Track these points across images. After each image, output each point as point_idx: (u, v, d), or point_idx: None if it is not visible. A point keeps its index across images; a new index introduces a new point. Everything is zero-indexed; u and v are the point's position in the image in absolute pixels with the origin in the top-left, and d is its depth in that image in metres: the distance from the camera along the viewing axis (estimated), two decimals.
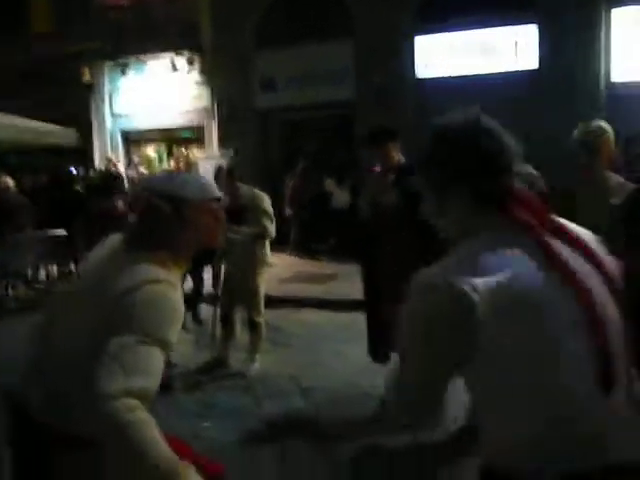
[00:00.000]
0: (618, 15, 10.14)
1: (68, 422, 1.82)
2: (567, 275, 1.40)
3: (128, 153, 14.13)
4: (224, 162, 6.00)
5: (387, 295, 4.09)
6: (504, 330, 1.35)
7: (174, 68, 12.69)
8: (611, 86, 10.27)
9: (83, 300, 1.89)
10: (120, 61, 13.09)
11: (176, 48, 12.48)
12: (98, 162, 13.67)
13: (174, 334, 1.79)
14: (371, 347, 4.57)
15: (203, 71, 12.72)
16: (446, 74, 11.08)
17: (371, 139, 4.46)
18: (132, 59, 13.05)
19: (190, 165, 12.88)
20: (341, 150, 11.64)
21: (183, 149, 13.53)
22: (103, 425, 1.62)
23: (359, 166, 11.04)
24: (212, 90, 12.68)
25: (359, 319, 5.03)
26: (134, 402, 1.63)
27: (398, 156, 4.42)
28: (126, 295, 1.77)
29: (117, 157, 13.37)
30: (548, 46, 10.34)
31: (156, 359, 1.72)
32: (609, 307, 1.43)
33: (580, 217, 2.73)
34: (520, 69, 10.63)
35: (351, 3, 11.42)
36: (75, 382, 1.80)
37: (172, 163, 13.28)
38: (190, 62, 12.62)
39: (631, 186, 2.96)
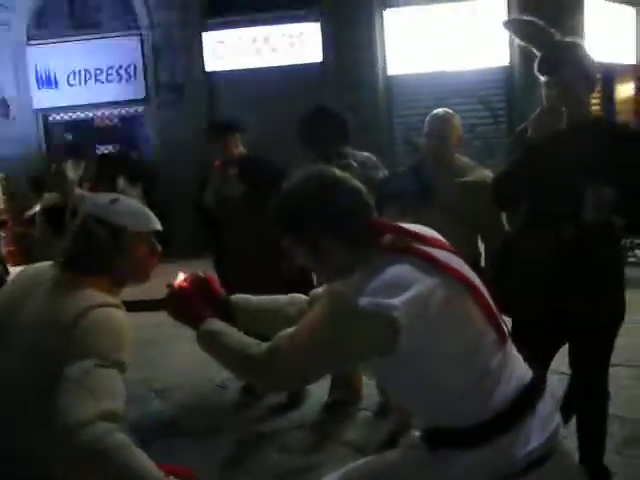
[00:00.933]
0: (389, 15, 10.97)
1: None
2: (452, 271, 1.60)
3: None
4: None
5: (237, 286, 4.11)
6: (426, 333, 1.51)
7: None
8: (388, 78, 11.08)
9: (16, 334, 1.76)
10: None
11: None
12: None
13: (127, 356, 1.75)
14: None
15: None
16: (234, 67, 11.19)
17: (211, 133, 4.45)
18: None
19: None
20: (133, 150, 11.27)
21: None
22: (83, 455, 1.52)
23: (148, 165, 10.88)
24: None
25: None
26: (110, 425, 1.55)
27: (239, 148, 4.43)
28: (75, 322, 1.71)
29: None
30: (330, 42, 10.87)
31: (118, 381, 1.67)
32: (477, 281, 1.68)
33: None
34: (305, 62, 11.07)
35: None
36: (25, 427, 1.70)
37: None
38: None
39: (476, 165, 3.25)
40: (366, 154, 4.07)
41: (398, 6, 10.94)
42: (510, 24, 2.77)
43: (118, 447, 1.53)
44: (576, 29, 10.56)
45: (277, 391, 2.52)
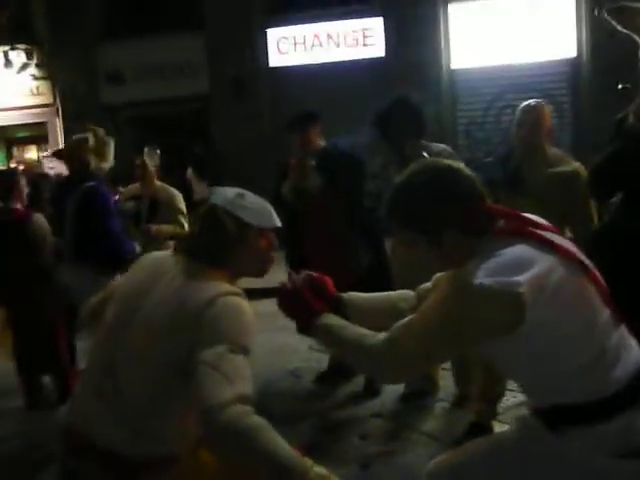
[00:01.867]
0: (454, 9, 10.90)
1: (141, 447, 1.83)
2: (566, 252, 1.66)
3: None
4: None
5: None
6: (547, 311, 1.56)
7: (8, 63, 11.78)
8: (451, 72, 11.01)
9: (147, 319, 1.86)
10: None
11: (10, 41, 11.58)
12: None
13: (253, 342, 1.83)
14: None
15: (42, 65, 11.93)
16: (298, 63, 11.30)
17: (291, 125, 4.44)
18: None
19: (33, 166, 12.16)
20: (199, 143, 11.48)
21: (24, 150, 12.71)
22: (223, 435, 1.61)
23: (217, 158, 11.04)
24: (53, 85, 11.96)
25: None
26: (247, 407, 1.64)
27: (318, 140, 4.42)
28: (205, 309, 1.80)
29: None
30: (393, 37, 10.87)
31: (246, 366, 1.76)
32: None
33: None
34: (368, 57, 11.09)
35: None
36: (153, 404, 1.80)
37: (13, 164, 12.37)
38: (28, 56, 11.78)
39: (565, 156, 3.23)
40: (442, 146, 4.05)
41: (462, 1, 10.86)
42: (611, 12, 2.75)
43: (257, 428, 1.61)
44: None
45: (398, 380, 2.55)
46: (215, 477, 1.96)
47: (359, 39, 11.14)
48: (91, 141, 4.48)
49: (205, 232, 1.99)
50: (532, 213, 2.90)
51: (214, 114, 11.49)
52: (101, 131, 4.66)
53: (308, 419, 4.11)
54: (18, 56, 11.83)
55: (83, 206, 4.24)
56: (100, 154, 4.52)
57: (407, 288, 2.11)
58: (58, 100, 11.99)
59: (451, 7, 10.93)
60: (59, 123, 12.12)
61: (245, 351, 1.78)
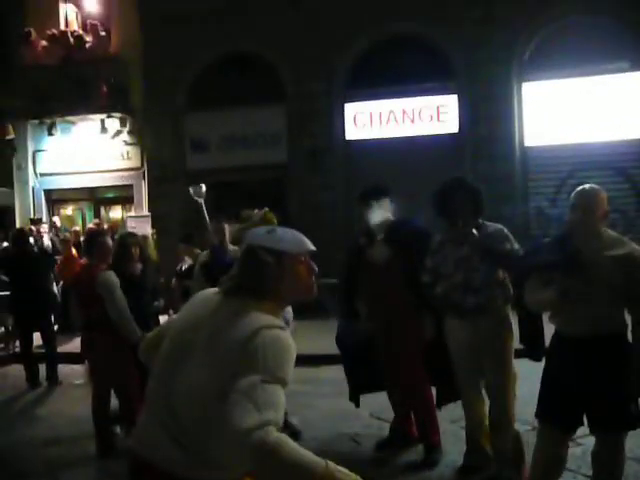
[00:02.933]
0: (528, 88, 11.16)
1: (198, 470, 1.98)
2: None
3: (51, 214, 13.84)
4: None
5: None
6: None
7: (104, 129, 12.69)
8: (524, 149, 11.16)
9: (198, 350, 2.03)
10: (46, 120, 12.93)
11: (107, 110, 12.50)
12: (19, 223, 13.32)
13: (291, 373, 1.95)
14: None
15: (133, 132, 12.79)
16: (373, 136, 11.69)
17: (363, 198, 4.62)
18: (58, 119, 12.93)
19: (115, 225, 12.90)
20: (276, 211, 11.88)
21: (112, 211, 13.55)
22: (255, 457, 1.75)
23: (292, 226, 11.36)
24: (142, 150, 12.76)
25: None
26: (269, 427, 1.77)
27: (388, 213, 4.58)
28: (248, 341, 1.93)
29: (40, 221, 12.90)
30: (467, 114, 11.15)
31: (280, 395, 1.87)
32: None
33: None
34: (442, 132, 11.39)
35: (282, 70, 11.92)
36: (205, 427, 1.96)
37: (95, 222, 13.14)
38: (122, 124, 12.67)
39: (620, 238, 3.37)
40: (499, 226, 4.13)
41: (536, 80, 11.09)
42: None
43: (283, 443, 1.74)
44: None
45: None
46: None
47: (433, 115, 11.47)
48: None
49: (244, 268, 2.12)
50: (589, 295, 3.02)
51: (291, 183, 11.94)
52: None
53: None
54: (113, 123, 12.71)
55: None
56: None
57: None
58: (145, 164, 12.74)
59: (525, 86, 11.17)
60: (144, 186, 12.85)
61: (281, 382, 1.89)
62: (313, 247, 2.19)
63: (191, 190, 5.63)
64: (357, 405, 4.92)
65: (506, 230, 4.08)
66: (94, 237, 5.67)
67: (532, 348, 3.76)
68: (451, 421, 4.93)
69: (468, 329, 3.98)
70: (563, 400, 3.26)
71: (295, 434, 4.78)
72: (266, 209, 5.59)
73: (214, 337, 2.01)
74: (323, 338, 5.82)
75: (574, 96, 10.92)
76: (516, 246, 4.00)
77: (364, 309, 4.71)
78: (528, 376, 4.11)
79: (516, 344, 3.94)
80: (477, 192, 4.11)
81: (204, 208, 5.47)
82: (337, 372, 5.28)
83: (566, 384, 3.25)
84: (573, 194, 3.46)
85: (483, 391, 4.15)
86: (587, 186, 3.44)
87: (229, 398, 1.83)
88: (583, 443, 4.01)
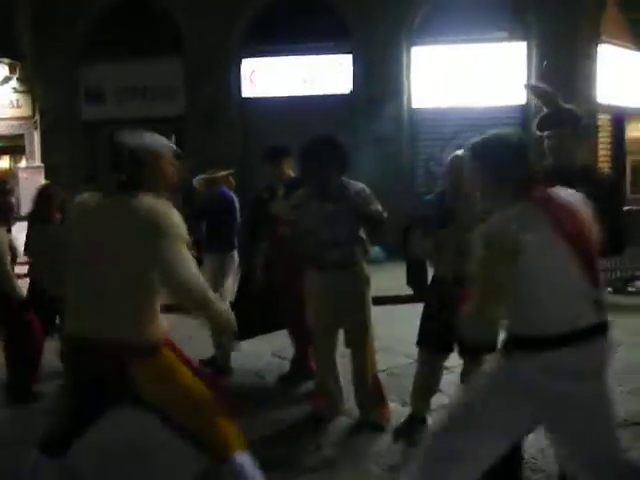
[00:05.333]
0: (418, 52, 11.84)
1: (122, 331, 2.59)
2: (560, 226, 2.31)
3: None
4: None
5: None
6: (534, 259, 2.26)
7: None
8: (412, 111, 11.91)
9: (105, 234, 2.59)
10: None
11: None
12: None
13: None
14: None
15: (24, 79, 12.43)
16: (269, 94, 12.04)
17: (267, 157, 5.12)
18: None
19: (3, 175, 12.61)
20: None
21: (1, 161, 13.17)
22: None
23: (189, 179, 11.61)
24: (34, 99, 12.46)
25: None
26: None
27: (289, 171, 5.11)
28: (148, 215, 2.54)
29: None
30: (360, 73, 11.71)
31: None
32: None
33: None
34: (336, 93, 11.92)
35: (181, 23, 11.95)
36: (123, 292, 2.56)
37: None
38: (11, 70, 12.28)
39: None
40: (361, 185, 4.23)
41: (424, 45, 11.78)
42: (528, 87, 3.55)
43: (201, 291, 2.66)
44: (590, 75, 11.39)
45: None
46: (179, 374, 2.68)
47: (329, 74, 11.97)
48: None
49: (125, 167, 2.67)
50: (460, 242, 3.62)
51: (188, 136, 12.11)
52: None
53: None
54: (1, 69, 12.31)
55: None
56: None
57: None
58: (38, 114, 12.47)
59: (414, 50, 11.85)
60: (37, 136, 12.60)
61: (186, 241, 2.62)
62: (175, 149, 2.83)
63: None
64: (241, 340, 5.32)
65: (367, 189, 4.21)
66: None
67: (417, 289, 4.35)
68: None
69: (330, 282, 4.11)
70: (438, 329, 3.90)
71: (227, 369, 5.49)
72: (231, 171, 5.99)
73: (113, 227, 2.58)
74: None
75: (458, 62, 11.72)
76: (379, 207, 4.17)
77: (262, 257, 5.24)
78: (409, 317, 4.75)
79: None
80: (342, 150, 4.17)
81: None
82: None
83: (440, 317, 3.89)
84: (449, 159, 4.05)
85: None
86: (460, 152, 4.03)
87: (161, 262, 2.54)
88: (456, 371, 4.68)
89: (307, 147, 4.17)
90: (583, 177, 3.11)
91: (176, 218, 2.59)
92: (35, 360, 5.15)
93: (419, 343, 4.09)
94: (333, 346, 4.38)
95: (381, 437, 4.16)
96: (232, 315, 2.92)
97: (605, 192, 3.18)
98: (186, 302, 2.70)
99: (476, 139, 2.53)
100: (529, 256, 2.25)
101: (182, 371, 2.70)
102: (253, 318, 5.10)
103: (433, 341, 3.98)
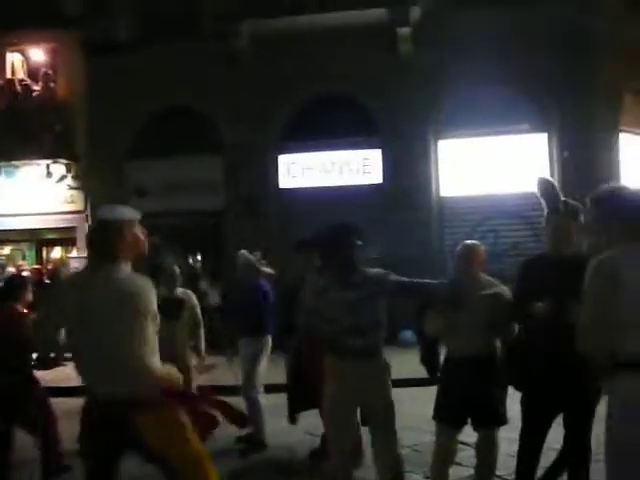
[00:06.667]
0: (444, 145, 12.56)
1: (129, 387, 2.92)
2: None
3: None
4: None
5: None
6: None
7: (49, 174, 13.31)
8: (441, 200, 12.49)
9: (100, 305, 2.96)
10: None
11: (52, 156, 13.15)
12: None
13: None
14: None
15: (77, 177, 13.45)
16: (305, 185, 12.80)
17: (296, 248, 5.71)
18: (3, 163, 13.48)
19: (60, 264, 13.48)
20: (212, 255, 12.79)
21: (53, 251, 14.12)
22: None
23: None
24: (86, 195, 13.41)
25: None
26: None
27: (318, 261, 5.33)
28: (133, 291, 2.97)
29: None
30: (390, 166, 12.41)
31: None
32: None
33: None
34: (367, 183, 12.61)
35: (220, 122, 12.90)
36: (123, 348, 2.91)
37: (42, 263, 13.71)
38: (67, 169, 13.33)
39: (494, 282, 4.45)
40: (376, 270, 4.26)
41: (451, 138, 12.49)
42: (537, 180, 4.10)
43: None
44: (611, 163, 11.87)
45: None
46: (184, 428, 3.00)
47: (360, 167, 12.70)
48: None
49: (101, 240, 3.07)
50: (468, 327, 4.02)
51: (227, 228, 12.80)
52: None
53: None
54: (58, 168, 13.37)
55: None
56: None
57: None
58: (89, 208, 13.39)
59: (441, 143, 12.55)
60: (87, 228, 13.46)
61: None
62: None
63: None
64: (294, 422, 5.79)
65: (383, 271, 4.25)
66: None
67: (430, 366, 4.72)
68: None
69: (354, 371, 4.05)
70: (453, 405, 4.27)
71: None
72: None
73: (108, 299, 2.95)
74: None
75: (483, 153, 12.35)
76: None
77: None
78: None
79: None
80: (360, 237, 4.20)
81: None
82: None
83: (455, 394, 4.26)
84: (458, 247, 4.51)
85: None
86: (469, 242, 4.51)
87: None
88: (472, 446, 4.94)
89: (326, 236, 4.26)
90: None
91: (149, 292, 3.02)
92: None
93: (435, 417, 4.43)
94: (353, 426, 4.33)
95: None
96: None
97: None
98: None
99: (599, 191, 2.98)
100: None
101: (184, 424, 3.06)
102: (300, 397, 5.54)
103: (448, 415, 4.33)
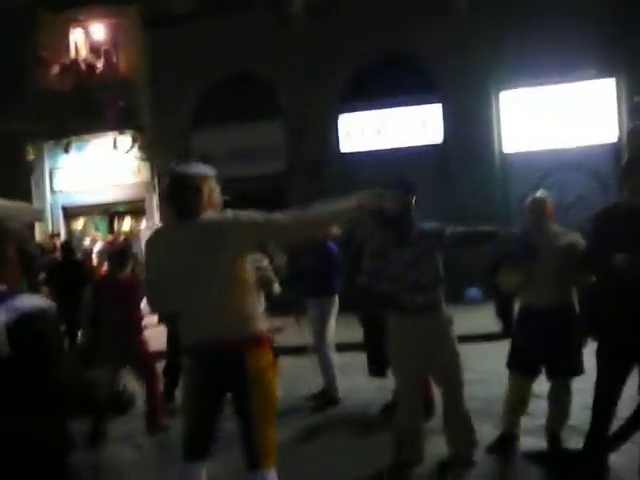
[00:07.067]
0: (506, 96, 12.27)
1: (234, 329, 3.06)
2: None
3: (68, 227, 14.87)
4: None
5: None
6: None
7: (116, 147, 13.73)
8: (504, 156, 12.27)
9: (200, 262, 3.04)
10: (62, 140, 13.94)
11: (119, 128, 13.55)
12: (38, 237, 14.28)
13: None
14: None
15: (143, 148, 13.82)
16: (366, 148, 12.78)
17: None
18: (74, 138, 13.96)
19: (131, 236, 13.97)
20: None
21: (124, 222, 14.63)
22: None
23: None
24: (152, 165, 13.78)
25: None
26: None
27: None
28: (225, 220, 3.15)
29: (58, 236, 13.91)
30: (450, 123, 12.26)
31: None
32: None
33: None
34: (428, 143, 12.51)
35: (279, 87, 12.99)
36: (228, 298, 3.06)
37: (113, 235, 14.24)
38: (133, 140, 13.71)
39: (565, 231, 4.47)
40: (432, 224, 4.25)
41: (513, 88, 12.19)
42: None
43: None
44: None
45: None
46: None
47: (420, 125, 12.63)
48: None
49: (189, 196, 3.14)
50: (544, 275, 4.04)
51: (290, 191, 12.96)
52: None
53: None
54: (124, 140, 13.77)
55: None
56: None
57: None
58: (156, 178, 13.76)
59: (502, 94, 12.27)
60: (155, 199, 13.88)
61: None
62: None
63: None
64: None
65: (439, 225, 4.23)
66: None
67: (506, 321, 4.77)
68: None
69: (417, 327, 4.09)
70: (528, 354, 4.35)
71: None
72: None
73: (201, 244, 3.03)
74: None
75: (547, 103, 12.02)
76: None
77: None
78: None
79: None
80: (416, 193, 4.20)
81: None
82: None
83: (530, 343, 4.32)
84: (527, 201, 4.51)
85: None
86: (537, 194, 4.51)
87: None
88: (544, 397, 4.97)
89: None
90: None
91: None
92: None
93: (509, 366, 4.51)
94: (418, 391, 4.38)
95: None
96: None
97: None
98: (306, 232, 3.41)
99: None
100: None
101: (273, 368, 3.17)
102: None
103: (522, 363, 4.40)
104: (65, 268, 8.69)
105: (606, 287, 3.95)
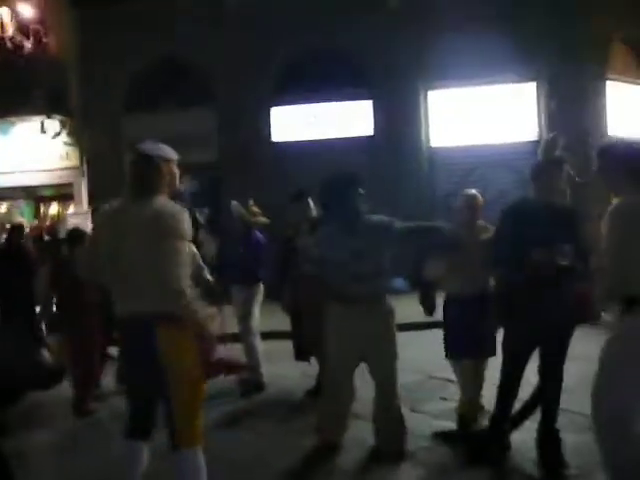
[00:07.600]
0: (434, 95, 12.72)
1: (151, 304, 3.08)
2: None
3: None
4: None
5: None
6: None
7: (43, 130, 13.41)
8: (431, 151, 12.70)
9: (135, 235, 3.10)
10: None
11: (47, 112, 13.24)
12: None
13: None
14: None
15: (72, 133, 13.56)
16: (297, 138, 12.96)
17: (294, 198, 5.98)
18: None
19: (57, 220, 13.73)
20: (209, 206, 13.02)
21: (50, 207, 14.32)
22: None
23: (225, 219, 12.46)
24: (81, 151, 13.55)
25: None
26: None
27: (311, 210, 5.84)
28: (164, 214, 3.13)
29: None
30: (381, 118, 12.58)
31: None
32: None
33: None
34: (359, 135, 12.81)
35: (214, 76, 12.98)
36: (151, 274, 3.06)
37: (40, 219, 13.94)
38: (62, 125, 13.43)
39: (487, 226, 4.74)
40: (379, 217, 4.37)
41: (440, 88, 12.64)
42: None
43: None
44: (598, 111, 12.07)
45: None
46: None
47: (351, 119, 12.89)
48: None
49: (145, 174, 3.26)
50: (469, 268, 4.31)
51: (223, 180, 13.01)
52: None
53: None
54: (52, 124, 13.47)
55: None
56: None
57: None
58: (84, 164, 13.55)
59: (430, 94, 12.70)
60: (84, 184, 13.65)
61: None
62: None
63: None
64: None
65: (386, 218, 4.34)
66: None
67: (428, 307, 4.90)
68: None
69: (357, 316, 4.19)
70: (461, 338, 4.62)
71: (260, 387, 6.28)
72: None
73: (142, 223, 3.11)
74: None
75: (472, 103, 12.52)
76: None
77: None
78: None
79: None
80: (362, 185, 4.30)
81: None
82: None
83: (459, 329, 4.61)
84: (462, 197, 4.79)
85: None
86: (470, 191, 4.82)
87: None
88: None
89: (330, 185, 4.30)
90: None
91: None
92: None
93: (450, 357, 4.79)
94: (353, 378, 4.48)
95: (403, 466, 4.34)
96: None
97: None
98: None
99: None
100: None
101: (194, 348, 3.14)
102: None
103: (459, 349, 4.68)
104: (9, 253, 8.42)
105: (517, 279, 4.10)
